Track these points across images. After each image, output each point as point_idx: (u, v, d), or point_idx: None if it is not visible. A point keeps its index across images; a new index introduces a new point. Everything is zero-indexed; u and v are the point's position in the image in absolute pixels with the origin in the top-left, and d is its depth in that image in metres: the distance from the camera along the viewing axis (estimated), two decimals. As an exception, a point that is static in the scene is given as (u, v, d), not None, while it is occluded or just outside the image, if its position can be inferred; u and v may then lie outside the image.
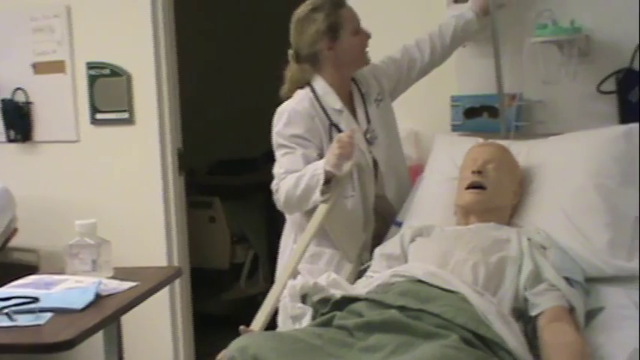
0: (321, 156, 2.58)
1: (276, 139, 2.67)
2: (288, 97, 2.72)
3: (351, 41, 2.66)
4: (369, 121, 2.74)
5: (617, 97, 2.76)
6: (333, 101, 2.68)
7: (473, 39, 2.97)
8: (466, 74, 3.06)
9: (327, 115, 2.67)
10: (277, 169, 2.63)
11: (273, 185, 2.62)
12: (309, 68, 2.69)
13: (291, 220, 2.78)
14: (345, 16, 2.65)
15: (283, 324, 2.13)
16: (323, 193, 2.46)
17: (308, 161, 2.57)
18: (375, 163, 2.74)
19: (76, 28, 3.96)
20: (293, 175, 2.54)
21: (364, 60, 2.73)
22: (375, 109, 2.79)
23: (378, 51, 3.25)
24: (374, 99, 2.80)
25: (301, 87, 2.72)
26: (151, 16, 3.79)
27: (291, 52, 2.70)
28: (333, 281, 2.20)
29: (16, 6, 4.03)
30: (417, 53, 2.88)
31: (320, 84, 2.69)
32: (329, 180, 2.48)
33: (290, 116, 2.64)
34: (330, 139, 2.61)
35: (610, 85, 2.77)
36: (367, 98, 2.78)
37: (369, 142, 2.73)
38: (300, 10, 2.66)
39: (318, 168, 2.48)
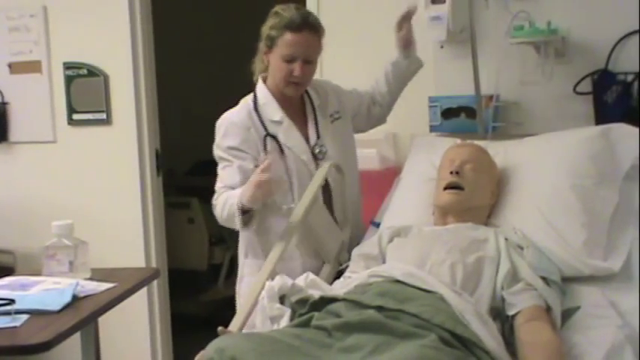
0: (257, 166, 2.47)
1: (215, 151, 2.64)
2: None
3: (277, 64, 2.57)
4: (318, 135, 2.68)
5: (593, 97, 2.78)
6: (273, 111, 2.63)
7: (451, 41, 2.98)
8: (444, 75, 3.07)
9: (264, 125, 2.61)
10: (217, 184, 2.61)
11: (213, 200, 2.59)
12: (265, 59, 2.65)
13: (242, 234, 2.72)
14: (286, 40, 2.53)
15: (262, 324, 2.13)
16: (244, 223, 2.45)
17: (244, 173, 2.52)
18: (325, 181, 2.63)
19: (52, 27, 3.94)
20: (224, 195, 2.52)
21: (284, 89, 2.61)
22: (329, 124, 2.72)
23: (354, 53, 3.28)
24: (329, 114, 2.74)
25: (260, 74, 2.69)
26: (129, 16, 3.78)
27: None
28: (312, 282, 2.20)
29: (-8, 5, 4.00)
30: (378, 96, 2.87)
31: (262, 92, 2.66)
32: (247, 210, 2.44)
33: (227, 128, 2.61)
34: (265, 149, 2.58)
35: (586, 86, 2.79)
36: (320, 111, 2.72)
37: (316, 157, 2.65)
38: (278, 7, 2.59)
39: (234, 201, 2.44)
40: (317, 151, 2.66)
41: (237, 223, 2.45)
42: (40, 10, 3.92)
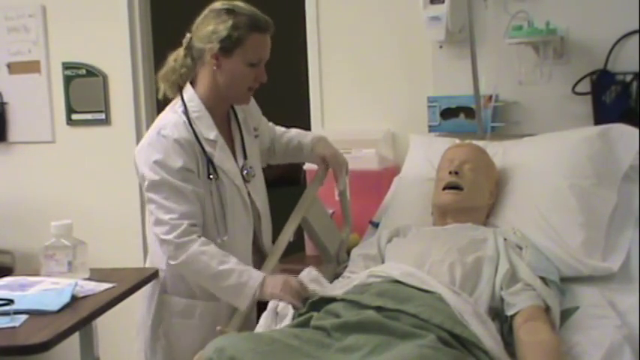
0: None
1: (154, 175, 2.25)
2: (166, 99, 2.41)
3: (240, 69, 2.28)
4: (245, 155, 2.43)
5: (591, 98, 2.78)
6: (207, 128, 2.32)
7: (450, 41, 2.98)
8: (442, 75, 3.07)
9: (201, 145, 2.30)
10: (166, 214, 2.23)
11: (162, 233, 2.24)
12: (190, 65, 2.35)
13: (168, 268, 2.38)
14: (253, 41, 2.27)
15: (264, 320, 2.13)
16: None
17: (199, 199, 2.26)
18: (253, 203, 2.42)
19: (51, 27, 3.93)
20: (213, 252, 2.21)
21: (243, 97, 2.37)
22: (253, 141, 2.49)
23: (352, 51, 3.27)
24: (252, 128, 2.51)
25: (177, 90, 2.37)
26: (128, 16, 3.77)
27: (188, 35, 2.36)
28: (315, 277, 2.21)
29: (-9, 6, 4.00)
30: (277, 141, 2.66)
31: (193, 102, 2.33)
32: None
33: (172, 146, 2.26)
34: (209, 175, 2.30)
35: (585, 86, 2.79)
36: (245, 127, 2.47)
37: (246, 179, 2.40)
38: (220, 4, 2.31)
39: (251, 283, 2.18)
40: (245, 173, 2.41)
41: (240, 304, 2.20)
42: (39, 10, 3.92)
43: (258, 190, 2.46)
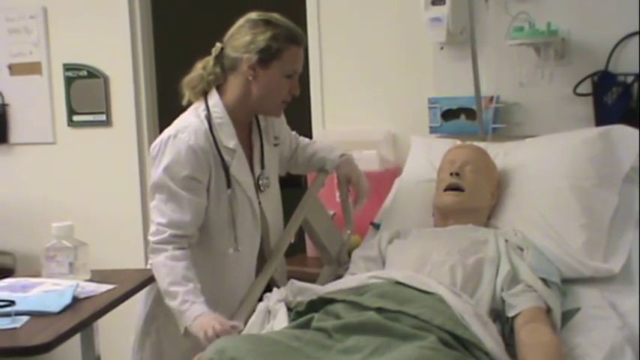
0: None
1: (159, 178, 2.25)
2: (189, 103, 2.38)
3: (277, 81, 2.27)
4: (263, 165, 2.41)
5: (593, 99, 2.78)
6: (228, 137, 2.30)
7: (451, 42, 2.98)
8: (443, 76, 3.07)
9: (220, 154, 2.28)
10: (158, 217, 2.25)
11: (151, 234, 2.27)
12: (218, 73, 2.32)
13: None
14: (291, 53, 2.27)
15: (255, 317, 2.12)
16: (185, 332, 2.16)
17: (197, 211, 2.25)
18: (263, 214, 2.40)
19: (52, 29, 3.94)
20: (173, 269, 2.19)
21: (275, 110, 2.37)
22: (272, 150, 2.46)
23: (353, 53, 3.28)
24: (273, 137, 2.48)
25: (201, 94, 2.35)
26: (129, 17, 3.78)
27: (218, 45, 2.34)
28: (299, 289, 2.17)
29: (-8, 7, 4.00)
30: (301, 153, 2.64)
31: (217, 108, 2.31)
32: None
33: (185, 154, 2.23)
34: (229, 183, 2.28)
35: (586, 88, 2.79)
36: (265, 136, 2.43)
37: (259, 189, 2.38)
38: (257, 14, 2.31)
39: (188, 313, 2.12)
40: (261, 183, 2.39)
41: (180, 327, 2.16)
42: (40, 11, 3.92)
43: (271, 200, 2.44)
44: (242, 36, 2.27)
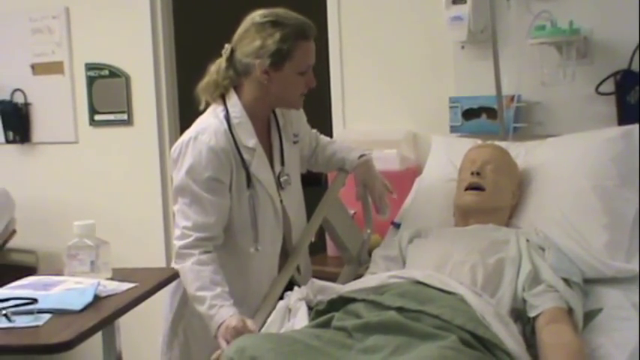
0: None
1: (182, 180, 2.24)
2: (205, 109, 2.37)
3: (293, 79, 2.26)
4: (283, 162, 2.40)
5: (615, 98, 2.76)
6: (247, 136, 2.29)
7: (472, 41, 2.97)
8: (465, 75, 3.06)
9: (239, 153, 2.27)
10: (183, 220, 2.24)
11: (174, 237, 2.28)
12: (233, 77, 2.30)
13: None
14: (302, 50, 2.24)
15: (275, 315, 2.13)
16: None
17: (220, 211, 2.24)
18: (285, 212, 2.40)
19: (74, 29, 3.96)
20: (201, 274, 2.18)
21: (296, 104, 2.35)
22: (291, 148, 2.45)
23: (374, 52, 3.27)
24: (292, 134, 2.46)
25: (218, 96, 2.33)
26: (150, 16, 3.80)
27: (228, 46, 2.31)
28: (319, 288, 2.19)
29: (15, 7, 4.04)
30: (321, 152, 2.63)
31: (236, 108, 2.30)
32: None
33: (207, 155, 2.22)
34: (250, 183, 2.28)
35: (609, 87, 2.76)
36: (284, 134, 2.42)
37: (280, 187, 2.38)
38: (261, 15, 2.26)
39: (215, 320, 2.12)
40: (282, 180, 2.38)
41: (210, 325, 2.15)
42: (63, 11, 3.95)
43: (293, 197, 2.43)
44: (250, 41, 2.24)
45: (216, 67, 2.32)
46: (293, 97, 2.32)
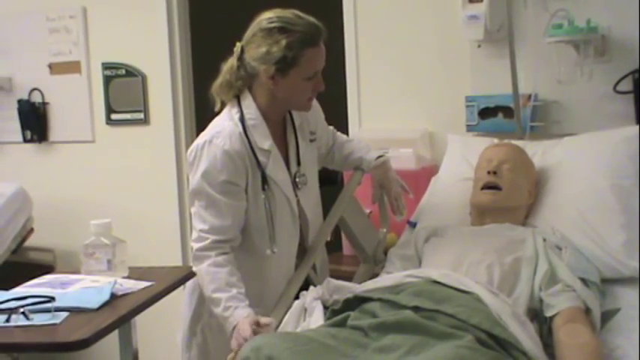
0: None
1: (198, 183, 2.24)
2: (220, 109, 2.35)
3: (299, 85, 2.23)
4: (299, 161, 2.38)
5: (633, 96, 2.74)
6: (262, 138, 2.27)
7: (488, 40, 2.96)
8: (481, 74, 3.05)
9: (255, 155, 2.26)
10: (200, 223, 2.25)
11: (194, 241, 2.26)
12: (244, 77, 2.28)
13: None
14: (308, 57, 2.19)
15: (290, 315, 2.13)
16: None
17: (236, 214, 2.24)
18: (302, 212, 2.39)
19: (91, 28, 3.98)
20: (217, 276, 2.18)
21: (304, 107, 2.33)
22: (307, 147, 2.43)
23: (390, 50, 3.27)
24: (309, 132, 2.45)
25: (233, 97, 2.32)
26: (167, 16, 3.81)
27: (239, 45, 2.27)
28: (335, 287, 2.19)
29: (32, 7, 4.06)
30: (338, 150, 2.63)
31: (251, 110, 2.28)
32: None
33: (222, 158, 2.21)
34: (265, 184, 2.27)
35: (627, 85, 2.75)
36: (300, 133, 2.40)
37: (297, 187, 2.37)
38: (268, 20, 2.21)
39: (230, 322, 2.12)
40: (298, 180, 2.37)
41: (225, 327, 2.16)
42: (80, 11, 3.97)
43: (309, 196, 2.42)
44: (257, 46, 2.21)
45: (228, 67, 2.30)
46: (300, 102, 2.30)
